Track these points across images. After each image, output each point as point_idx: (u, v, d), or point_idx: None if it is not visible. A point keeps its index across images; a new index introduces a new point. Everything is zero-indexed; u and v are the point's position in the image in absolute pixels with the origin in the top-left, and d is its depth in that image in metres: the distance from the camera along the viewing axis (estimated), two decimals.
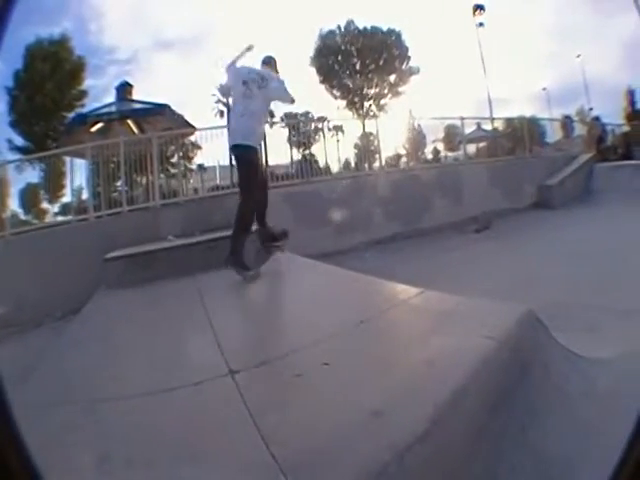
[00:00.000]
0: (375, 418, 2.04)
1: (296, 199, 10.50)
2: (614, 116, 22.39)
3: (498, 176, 13.35)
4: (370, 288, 4.76)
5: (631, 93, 27.76)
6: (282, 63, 6.15)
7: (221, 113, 26.25)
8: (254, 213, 5.55)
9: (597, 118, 21.76)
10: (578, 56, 24.18)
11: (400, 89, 23.88)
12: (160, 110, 13.41)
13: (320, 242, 9.50)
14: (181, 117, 14.36)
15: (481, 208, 12.00)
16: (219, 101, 25.63)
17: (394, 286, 4.65)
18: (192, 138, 13.46)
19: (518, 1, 33.27)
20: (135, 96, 15.61)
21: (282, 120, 23.67)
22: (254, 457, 1.91)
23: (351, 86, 23.45)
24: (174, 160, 14.77)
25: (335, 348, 3.05)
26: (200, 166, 17.71)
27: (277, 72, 5.90)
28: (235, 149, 5.45)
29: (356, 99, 23.23)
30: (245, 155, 5.41)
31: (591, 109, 23.87)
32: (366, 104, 23.46)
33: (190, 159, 18.44)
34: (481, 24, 20.67)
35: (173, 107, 13.90)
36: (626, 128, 22.28)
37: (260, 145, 5.98)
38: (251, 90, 5.44)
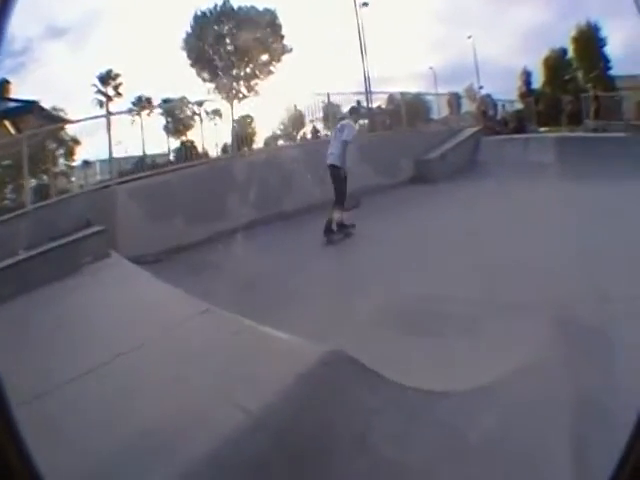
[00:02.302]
0: None
1: (145, 192, 9.74)
2: (508, 95, 23.01)
3: (370, 152, 12.85)
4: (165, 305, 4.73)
5: (527, 74, 29.04)
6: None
7: (100, 103, 24.36)
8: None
9: (488, 95, 22.35)
10: (469, 37, 24.62)
11: (272, 68, 23.33)
12: (28, 108, 12.77)
13: (172, 236, 9.10)
14: (49, 113, 14.00)
15: (351, 186, 11.17)
16: (99, 91, 23.80)
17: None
18: (71, 133, 13.42)
19: None
20: (26, 90, 14.70)
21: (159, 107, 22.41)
22: None
23: (220, 67, 22.62)
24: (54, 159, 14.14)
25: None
26: (85, 162, 16.31)
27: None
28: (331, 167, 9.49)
29: (225, 81, 22.47)
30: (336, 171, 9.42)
31: (481, 87, 24.45)
32: (236, 85, 22.76)
33: (71, 155, 17.46)
34: (365, 4, 20.32)
35: (58, 100, 14.11)
36: (519, 105, 23.69)
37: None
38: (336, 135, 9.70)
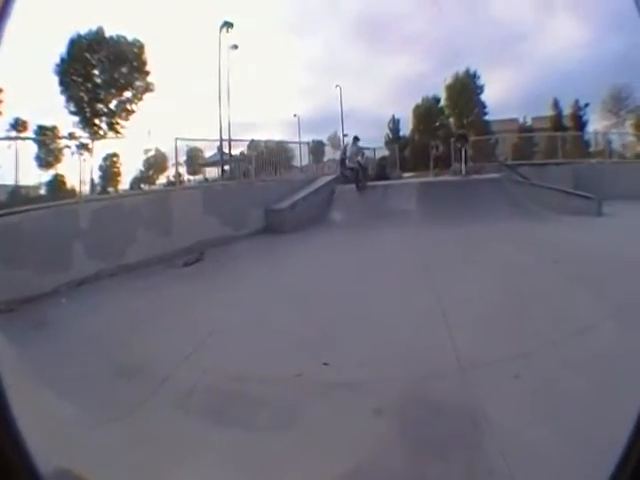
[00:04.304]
0: None
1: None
2: (376, 143, 24.65)
3: (220, 201, 13.48)
4: None
5: (395, 122, 31.14)
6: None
7: None
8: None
9: (356, 137, 23.20)
10: (337, 86, 26.32)
11: (134, 107, 23.39)
12: None
13: (21, 285, 8.72)
14: None
15: (196, 238, 12.00)
16: None
17: None
18: None
19: (283, 35, 35.03)
20: None
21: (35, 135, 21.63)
22: None
23: (85, 99, 22.19)
24: None
25: None
26: None
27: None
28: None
29: (88, 115, 22.05)
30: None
31: (345, 135, 25.99)
32: (97, 121, 22.44)
33: None
34: (235, 46, 21.02)
35: None
36: (385, 153, 25.07)
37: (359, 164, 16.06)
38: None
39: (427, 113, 29.93)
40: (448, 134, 24.22)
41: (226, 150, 19.35)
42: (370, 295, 7.39)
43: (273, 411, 4.37)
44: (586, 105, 27.05)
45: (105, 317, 7.48)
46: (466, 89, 28.26)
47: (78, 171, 13.62)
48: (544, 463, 3.23)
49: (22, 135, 20.65)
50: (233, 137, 19.38)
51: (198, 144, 17.04)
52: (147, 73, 23.48)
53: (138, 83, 23.21)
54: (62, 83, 22.33)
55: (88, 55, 22.73)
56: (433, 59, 33.02)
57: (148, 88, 23.52)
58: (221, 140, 18.73)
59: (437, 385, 4.52)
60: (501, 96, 30.50)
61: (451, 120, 29.27)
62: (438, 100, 29.98)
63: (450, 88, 28.78)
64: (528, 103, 26.74)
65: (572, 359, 4.66)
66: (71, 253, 10.24)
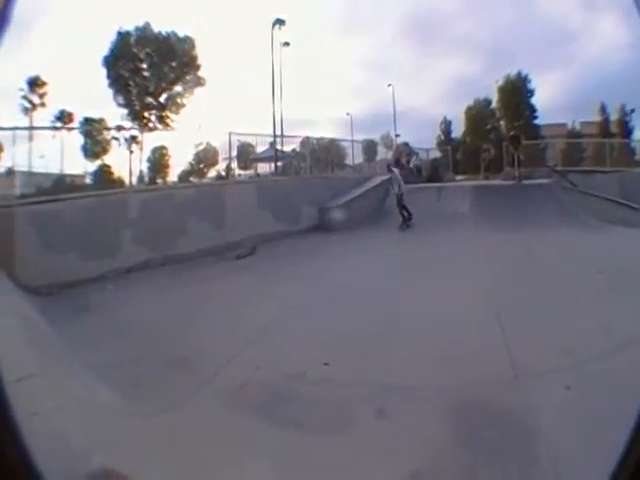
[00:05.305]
0: None
1: (44, 219, 9.40)
2: (428, 144, 24.09)
3: (274, 197, 13.20)
4: None
5: (447, 123, 30.60)
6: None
7: (25, 110, 23.20)
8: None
9: (405, 144, 23.04)
10: (389, 85, 25.82)
11: (184, 101, 23.44)
12: None
13: (65, 270, 8.76)
14: None
15: (248, 232, 11.67)
16: (25, 97, 22.70)
17: None
18: None
19: (336, 34, 35.11)
20: None
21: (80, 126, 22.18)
22: None
23: (134, 93, 22.37)
24: None
25: None
26: (10, 170, 15.58)
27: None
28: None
29: (137, 107, 22.21)
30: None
31: (398, 135, 25.61)
32: (146, 114, 22.57)
33: None
34: (287, 43, 20.84)
35: None
36: (437, 154, 24.43)
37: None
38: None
39: (479, 115, 29.32)
40: (499, 137, 23.99)
41: (279, 146, 19.07)
42: (423, 298, 7.24)
43: (325, 412, 4.26)
44: (632, 111, 25.98)
45: (153, 306, 7.40)
46: (517, 92, 27.46)
47: (127, 162, 13.76)
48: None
49: (68, 126, 20.94)
50: (285, 134, 19.02)
51: (250, 139, 16.64)
52: (198, 68, 23.58)
53: (189, 77, 23.24)
54: (109, 77, 22.72)
55: (135, 50, 23.01)
56: (484, 61, 32.71)
57: (199, 82, 23.57)
58: (275, 136, 18.53)
59: (491, 391, 4.42)
60: (549, 99, 29.43)
61: (502, 123, 28.43)
62: (489, 102, 29.22)
63: (502, 90, 27.94)
64: (576, 107, 25.94)
65: (622, 371, 4.38)
66: (119, 241, 10.16)
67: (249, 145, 17.02)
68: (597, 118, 26.27)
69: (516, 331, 5.66)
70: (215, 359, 5.43)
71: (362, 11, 31.92)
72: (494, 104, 29.11)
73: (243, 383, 4.88)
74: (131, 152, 17.60)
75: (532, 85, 27.66)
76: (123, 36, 22.66)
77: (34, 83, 22.79)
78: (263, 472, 3.40)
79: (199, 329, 6.42)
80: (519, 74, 27.34)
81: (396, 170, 15.07)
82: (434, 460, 3.52)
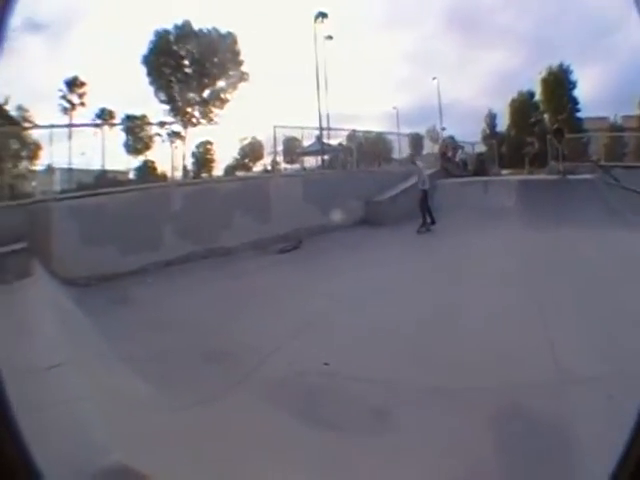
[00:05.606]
0: None
1: (83, 215, 9.48)
2: (472, 138, 23.47)
3: (317, 191, 12.99)
4: None
5: (492, 116, 29.84)
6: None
7: (65, 110, 23.93)
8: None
9: (451, 137, 22.56)
10: (434, 79, 25.24)
11: (229, 96, 23.42)
12: None
13: (104, 262, 8.84)
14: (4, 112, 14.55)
15: (293, 225, 11.52)
16: (64, 97, 23.41)
17: None
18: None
19: (379, 27, 34.85)
20: None
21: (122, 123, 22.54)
22: None
23: (176, 89, 22.56)
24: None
25: None
26: (50, 167, 15.88)
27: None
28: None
29: (180, 104, 22.39)
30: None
31: (444, 129, 25.03)
32: (190, 110, 22.72)
33: (34, 159, 17.69)
34: (329, 37, 20.58)
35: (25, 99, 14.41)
36: (482, 148, 23.69)
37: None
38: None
39: (522, 108, 28.32)
40: (543, 131, 23.26)
41: (325, 140, 18.83)
42: (468, 295, 7.05)
43: (364, 412, 4.19)
44: None
45: (194, 299, 7.44)
46: (560, 83, 26.48)
47: (169, 157, 13.84)
48: None
49: (109, 122, 21.35)
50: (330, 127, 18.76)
51: (295, 133, 16.45)
52: (241, 63, 23.50)
53: (232, 73, 23.29)
54: (149, 74, 22.90)
55: (176, 47, 23.13)
56: (527, 52, 31.93)
57: (242, 78, 23.52)
58: (321, 129, 18.32)
59: (533, 397, 4.29)
60: (590, 92, 28.17)
61: (545, 116, 27.40)
62: (533, 95, 28.22)
63: (544, 82, 27.00)
64: (617, 100, 24.25)
65: None
66: (161, 234, 10.12)
67: (295, 139, 16.84)
68: (638, 112, 24.89)
69: (561, 333, 5.50)
70: (255, 354, 5.41)
71: (403, 3, 31.40)
72: (537, 97, 28.16)
73: (282, 379, 4.86)
74: (175, 147, 17.82)
75: (574, 77, 26.60)
76: (162, 35, 22.87)
77: (73, 83, 23.36)
78: (294, 474, 3.30)
79: (240, 323, 6.37)
80: (561, 65, 26.38)
81: (420, 163, 14.57)
82: (474, 465, 3.42)
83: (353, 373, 4.86)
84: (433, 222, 12.85)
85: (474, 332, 5.65)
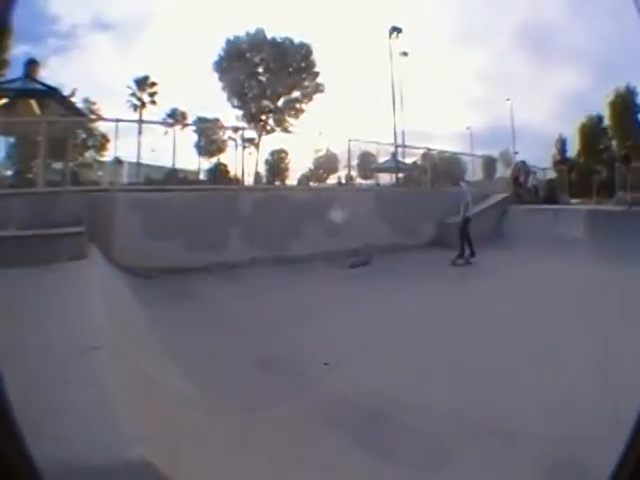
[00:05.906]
0: None
1: (148, 208, 9.73)
2: (542, 162, 22.82)
3: (389, 208, 12.82)
4: None
5: (562, 142, 29.12)
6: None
7: (134, 107, 24.86)
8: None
9: (523, 162, 22.09)
10: (507, 100, 24.75)
11: (303, 106, 23.48)
12: (50, 94, 12.85)
13: (166, 256, 9.05)
14: (71, 103, 14.38)
15: (364, 241, 11.30)
16: (134, 94, 24.33)
17: None
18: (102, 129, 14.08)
19: (451, 44, 34.56)
20: (66, 75, 15.30)
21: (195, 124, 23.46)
22: None
23: (250, 96, 22.78)
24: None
25: None
26: (118, 160, 16.69)
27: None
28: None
29: (254, 110, 22.59)
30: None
31: (516, 153, 24.70)
32: (263, 117, 22.88)
33: (101, 150, 19.10)
34: (405, 53, 20.45)
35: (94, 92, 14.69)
36: (552, 174, 23.22)
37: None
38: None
39: (592, 133, 27.99)
40: (612, 157, 22.84)
41: (400, 157, 19.00)
42: (535, 331, 6.47)
43: (418, 445, 3.78)
44: None
45: (253, 303, 7.42)
46: (627, 107, 26.10)
47: (241, 161, 13.94)
48: None
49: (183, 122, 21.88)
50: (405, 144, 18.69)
51: (370, 148, 16.52)
52: (316, 75, 23.59)
53: (307, 84, 23.38)
54: (222, 80, 23.49)
55: (249, 55, 23.44)
56: (595, 74, 30.73)
57: (318, 89, 23.62)
58: (396, 146, 18.22)
59: (588, 449, 3.59)
60: None
61: (614, 142, 27.10)
62: (601, 119, 27.83)
63: (612, 105, 26.56)
64: None
65: None
66: (227, 236, 10.20)
67: (370, 154, 16.76)
68: None
69: (625, 382, 4.67)
70: (311, 367, 5.22)
71: (474, 18, 30.98)
72: (606, 121, 27.67)
73: (338, 396, 4.55)
74: (249, 153, 17.98)
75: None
76: (234, 42, 23.34)
77: (142, 82, 24.10)
78: None
79: (298, 333, 6.21)
80: (627, 87, 25.88)
81: (465, 186, 13.32)
82: None
83: (413, 400, 4.49)
84: (473, 254, 11.79)
85: (533, 372, 5.18)
